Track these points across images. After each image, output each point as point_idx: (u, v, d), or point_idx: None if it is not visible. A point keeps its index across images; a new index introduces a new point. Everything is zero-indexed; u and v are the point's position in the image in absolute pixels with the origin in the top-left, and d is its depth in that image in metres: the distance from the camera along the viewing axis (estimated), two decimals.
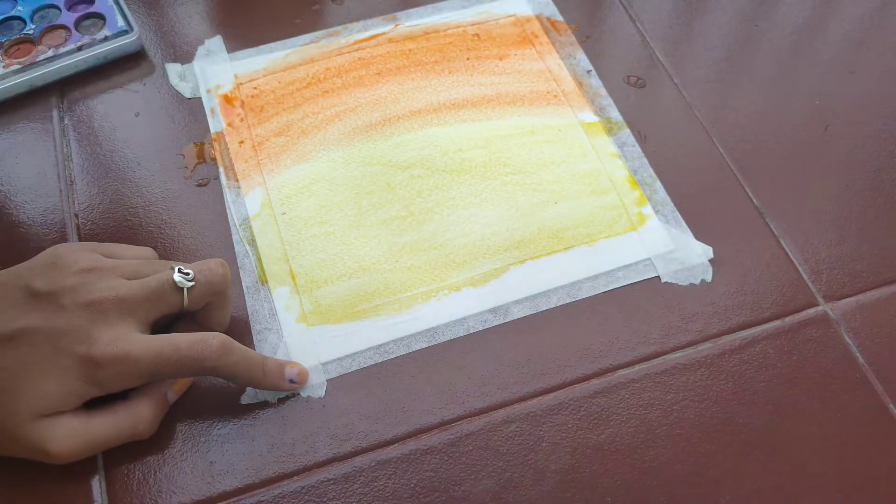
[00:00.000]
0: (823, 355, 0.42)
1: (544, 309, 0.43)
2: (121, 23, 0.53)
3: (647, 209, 0.47)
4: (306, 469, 0.38)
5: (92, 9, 0.54)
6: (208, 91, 0.52)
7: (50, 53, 0.51)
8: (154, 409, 0.38)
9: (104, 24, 0.53)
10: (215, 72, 0.53)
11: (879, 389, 0.41)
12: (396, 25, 0.55)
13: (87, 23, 0.54)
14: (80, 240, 0.45)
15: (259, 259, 0.45)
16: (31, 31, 0.53)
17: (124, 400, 0.37)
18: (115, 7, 0.54)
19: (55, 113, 0.51)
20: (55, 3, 0.54)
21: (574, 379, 0.41)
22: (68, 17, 0.54)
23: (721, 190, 0.48)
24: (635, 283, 0.44)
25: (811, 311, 0.43)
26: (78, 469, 0.38)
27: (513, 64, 0.53)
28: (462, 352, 0.42)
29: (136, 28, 0.53)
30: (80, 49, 0.51)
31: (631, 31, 0.55)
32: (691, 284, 0.44)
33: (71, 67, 0.51)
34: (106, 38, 0.52)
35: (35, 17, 0.54)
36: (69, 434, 0.35)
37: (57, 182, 0.48)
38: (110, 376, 0.35)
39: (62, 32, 0.53)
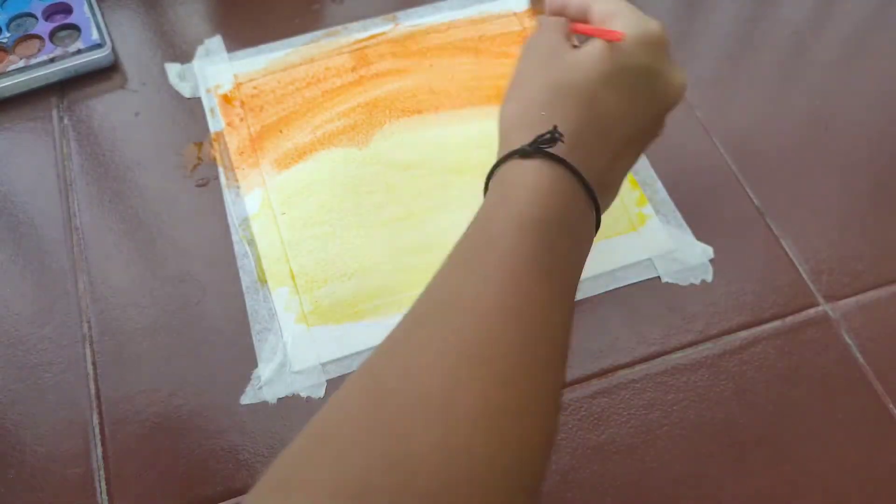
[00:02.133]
0: (823, 355, 0.42)
1: None
2: (95, 36, 0.52)
3: (648, 209, 0.47)
4: None
5: (69, 20, 0.53)
6: (208, 91, 0.52)
7: (21, 64, 0.50)
8: None
9: (79, 35, 0.52)
10: (215, 71, 0.52)
11: (879, 389, 0.41)
12: (396, 25, 0.55)
13: (62, 34, 0.53)
14: (80, 241, 0.45)
15: (259, 259, 0.45)
16: (5, 40, 0.52)
17: None
18: (91, 19, 0.53)
19: (55, 113, 0.51)
20: (32, 12, 0.54)
21: (574, 379, 0.41)
22: (44, 27, 0.53)
23: (721, 190, 0.48)
24: (636, 283, 0.44)
25: (811, 311, 0.43)
26: (79, 469, 0.38)
27: (513, 63, 0.53)
28: None
29: (108, 42, 0.52)
30: (51, 61, 0.51)
31: None
32: (692, 284, 0.44)
33: (41, 79, 0.51)
34: (79, 52, 0.51)
35: (11, 25, 0.53)
36: None
37: (57, 182, 0.48)
38: None
39: (36, 42, 0.52)
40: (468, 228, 0.32)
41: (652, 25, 0.35)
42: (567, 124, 0.33)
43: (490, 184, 0.34)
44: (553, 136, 0.33)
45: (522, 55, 0.38)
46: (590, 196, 0.33)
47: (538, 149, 0.32)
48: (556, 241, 0.31)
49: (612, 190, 0.36)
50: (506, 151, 0.33)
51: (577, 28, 0.38)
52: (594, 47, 0.35)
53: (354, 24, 0.55)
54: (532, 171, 0.32)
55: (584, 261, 0.33)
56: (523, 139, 0.33)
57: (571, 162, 0.32)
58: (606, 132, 0.35)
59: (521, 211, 0.31)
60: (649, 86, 0.35)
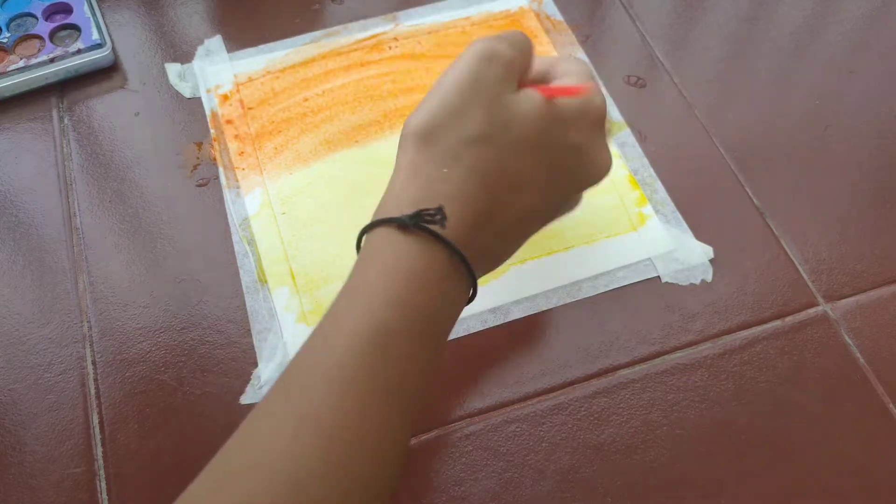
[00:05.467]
0: (823, 355, 0.42)
1: (544, 309, 0.43)
2: (95, 36, 0.52)
3: (648, 209, 0.47)
4: None
5: (69, 20, 0.53)
6: (208, 91, 0.52)
7: (21, 64, 0.51)
8: None
9: (79, 35, 0.53)
10: (215, 71, 0.52)
11: (879, 389, 0.41)
12: (396, 25, 0.55)
13: (62, 34, 0.53)
14: (80, 241, 0.45)
15: (259, 259, 0.45)
16: (5, 40, 0.52)
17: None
18: (91, 19, 0.53)
19: (55, 113, 0.51)
20: (33, 11, 0.54)
21: (574, 379, 0.41)
22: (44, 27, 0.53)
23: (721, 190, 0.48)
24: (635, 283, 0.44)
25: (811, 311, 0.43)
26: (79, 469, 0.38)
27: None
28: (462, 351, 0.42)
29: (108, 42, 0.52)
30: (51, 61, 0.51)
31: (631, 31, 0.55)
32: (691, 284, 0.44)
33: (41, 79, 0.51)
34: (79, 52, 0.51)
35: (11, 25, 0.53)
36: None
37: (57, 182, 0.48)
38: None
39: (36, 42, 0.53)
40: (337, 298, 0.30)
41: (597, 99, 0.33)
42: (468, 184, 0.31)
43: (360, 252, 0.31)
44: (437, 216, 0.30)
45: (462, 70, 0.32)
46: (468, 274, 0.31)
47: (418, 225, 0.30)
48: (407, 346, 0.29)
49: (499, 262, 0.34)
50: (380, 215, 0.31)
51: (542, 89, 0.33)
52: (533, 97, 0.32)
53: (354, 24, 0.55)
54: (405, 255, 0.30)
55: (449, 332, 0.32)
56: (411, 195, 0.31)
57: (455, 241, 0.30)
58: (508, 200, 0.32)
59: (373, 312, 0.29)
60: (573, 160, 0.33)
